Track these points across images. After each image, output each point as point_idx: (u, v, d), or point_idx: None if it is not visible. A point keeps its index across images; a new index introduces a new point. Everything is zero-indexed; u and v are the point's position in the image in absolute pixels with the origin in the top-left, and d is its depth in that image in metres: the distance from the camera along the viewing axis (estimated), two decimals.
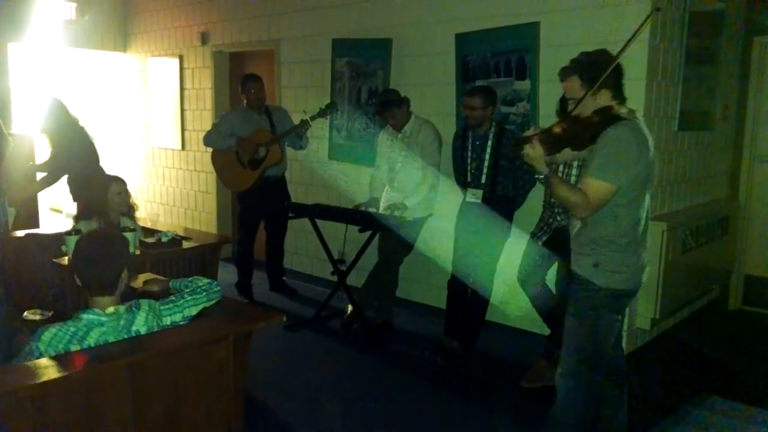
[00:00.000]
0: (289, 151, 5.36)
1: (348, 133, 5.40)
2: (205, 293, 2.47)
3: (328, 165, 5.61)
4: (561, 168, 3.37)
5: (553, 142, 2.52)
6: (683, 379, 3.95)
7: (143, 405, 2.13)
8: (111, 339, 2.16)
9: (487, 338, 4.27)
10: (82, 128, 4.95)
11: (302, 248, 5.90)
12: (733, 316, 5.21)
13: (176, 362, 2.21)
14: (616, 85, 2.50)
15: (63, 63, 7.62)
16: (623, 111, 2.50)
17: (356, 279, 4.78)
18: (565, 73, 2.57)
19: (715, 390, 3.70)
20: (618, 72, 2.51)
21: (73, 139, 4.81)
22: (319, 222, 4.69)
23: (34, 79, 7.41)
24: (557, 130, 2.52)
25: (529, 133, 2.74)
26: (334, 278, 4.72)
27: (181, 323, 2.36)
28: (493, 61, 4.36)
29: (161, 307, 2.34)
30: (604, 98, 2.49)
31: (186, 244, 3.98)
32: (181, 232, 4.23)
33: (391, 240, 4.47)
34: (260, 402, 3.50)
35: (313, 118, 4.90)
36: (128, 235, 3.63)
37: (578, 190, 2.50)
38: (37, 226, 5.62)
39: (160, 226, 4.39)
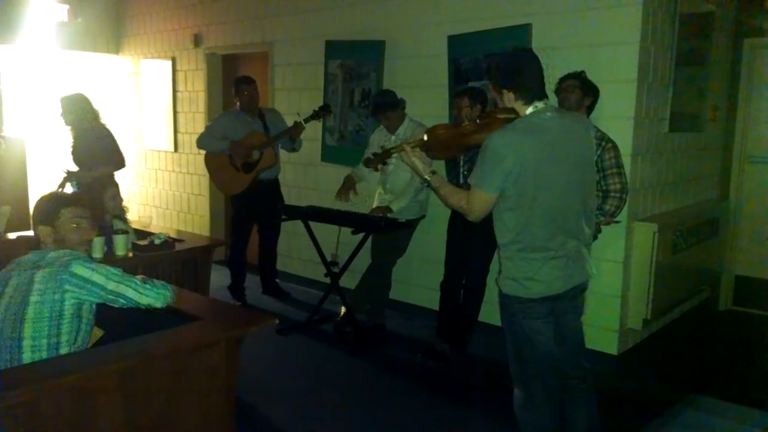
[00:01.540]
0: (282, 153, 5.36)
1: (341, 136, 5.40)
2: (143, 285, 2.35)
3: (321, 167, 5.62)
4: None
5: (431, 148, 2.66)
6: (674, 379, 3.98)
7: (135, 410, 2.13)
8: (13, 267, 2.34)
9: (480, 340, 4.28)
10: (102, 126, 5.01)
11: (295, 251, 5.90)
12: (723, 316, 5.24)
13: (168, 367, 2.22)
14: (516, 86, 2.42)
15: (56, 65, 7.59)
16: (528, 110, 2.43)
17: (349, 281, 4.78)
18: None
19: (705, 390, 3.73)
20: (516, 72, 2.44)
21: (89, 136, 4.91)
22: (312, 224, 4.69)
23: (27, 81, 7.38)
24: (434, 138, 2.61)
25: (404, 143, 2.76)
26: (328, 280, 4.72)
27: (96, 291, 2.26)
28: (485, 63, 4.37)
29: (88, 259, 2.35)
30: (507, 99, 2.46)
31: (178, 247, 3.98)
32: (173, 235, 4.23)
33: (384, 242, 4.48)
34: (252, 406, 3.50)
35: (306, 120, 4.90)
36: (121, 237, 3.65)
37: (462, 194, 2.54)
38: (28, 228, 5.60)
39: (153, 229, 4.39)
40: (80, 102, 4.98)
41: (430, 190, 4.44)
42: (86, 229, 2.46)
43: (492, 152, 2.37)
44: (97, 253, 3.62)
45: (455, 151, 2.68)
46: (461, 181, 4.05)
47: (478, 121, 2.61)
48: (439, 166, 4.32)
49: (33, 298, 2.19)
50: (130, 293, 2.29)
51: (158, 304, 2.37)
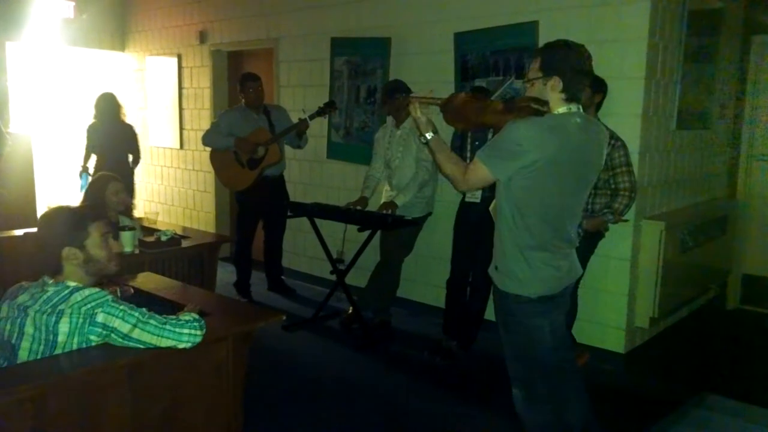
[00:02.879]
0: (288, 150, 5.35)
1: (346, 132, 5.40)
2: (162, 326, 2.10)
3: (327, 164, 5.61)
4: None
5: (451, 115, 2.56)
6: (682, 377, 3.96)
7: (142, 405, 2.13)
8: (30, 303, 2.06)
9: (486, 337, 4.27)
10: (112, 124, 5.93)
11: (301, 248, 5.89)
12: (731, 315, 5.22)
13: (175, 363, 2.21)
14: (569, 78, 2.33)
15: (61, 62, 7.60)
16: (561, 109, 2.36)
17: (355, 278, 4.77)
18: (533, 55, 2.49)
19: (713, 389, 3.71)
20: (574, 64, 2.34)
21: (97, 137, 5.92)
22: (318, 221, 4.68)
23: (33, 78, 7.39)
24: (457, 101, 2.52)
25: (417, 95, 2.65)
26: (333, 278, 4.72)
27: (117, 338, 2.05)
28: (492, 60, 4.36)
29: (112, 303, 2.07)
30: (550, 87, 2.34)
31: (185, 243, 3.97)
32: (179, 232, 4.23)
33: (392, 240, 4.47)
34: (257, 401, 3.49)
35: (311, 117, 4.89)
36: (127, 233, 3.64)
37: (459, 163, 2.49)
38: (35, 225, 5.61)
39: (159, 226, 4.39)
40: (104, 99, 5.92)
41: (433, 185, 4.48)
42: (114, 243, 2.24)
43: (514, 141, 2.30)
44: (128, 248, 3.63)
45: (470, 124, 2.58)
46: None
47: (514, 102, 2.45)
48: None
49: (57, 351, 2.04)
50: (146, 337, 2.07)
51: (181, 346, 2.13)
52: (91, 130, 6.02)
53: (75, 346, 2.04)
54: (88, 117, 6.09)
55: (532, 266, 2.41)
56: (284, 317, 2.72)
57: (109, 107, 5.94)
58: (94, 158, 6.10)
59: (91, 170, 6.01)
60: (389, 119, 4.60)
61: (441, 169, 2.54)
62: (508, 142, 2.32)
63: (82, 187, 5.93)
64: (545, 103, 2.36)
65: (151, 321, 2.09)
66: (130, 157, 6.18)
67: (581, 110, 2.42)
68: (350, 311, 4.65)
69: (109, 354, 2.05)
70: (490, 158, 2.35)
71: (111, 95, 6.03)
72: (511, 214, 2.41)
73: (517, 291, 2.45)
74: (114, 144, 5.96)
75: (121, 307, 2.08)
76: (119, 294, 2.55)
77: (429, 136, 2.53)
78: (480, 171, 2.38)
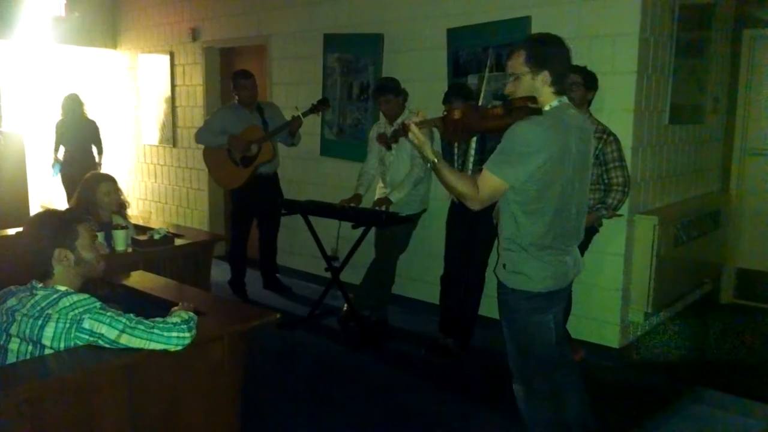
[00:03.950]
0: (281, 147, 5.34)
1: (340, 129, 5.39)
2: (150, 331, 2.08)
3: (321, 161, 5.60)
4: None
5: (452, 130, 2.46)
6: (677, 372, 3.97)
7: (140, 406, 2.13)
8: (18, 308, 2.07)
9: (483, 334, 4.27)
10: (76, 123, 6.44)
11: (296, 245, 5.88)
12: (725, 309, 5.23)
13: (171, 363, 2.20)
14: (557, 71, 2.33)
15: (53, 60, 7.56)
16: (553, 102, 2.35)
17: (350, 275, 4.77)
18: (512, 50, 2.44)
19: (708, 383, 3.72)
20: (561, 57, 2.35)
21: (65, 131, 6.46)
22: (312, 219, 4.68)
23: (24, 76, 7.35)
24: (455, 116, 2.42)
25: (411, 120, 2.50)
26: (329, 275, 4.71)
27: (105, 345, 2.03)
28: (484, 56, 4.36)
29: (99, 309, 2.07)
30: (540, 82, 2.33)
31: (178, 242, 3.95)
32: (173, 230, 4.21)
33: (385, 238, 4.46)
34: (254, 401, 3.48)
35: (304, 114, 4.88)
36: (120, 232, 3.63)
37: (468, 180, 2.39)
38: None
39: (153, 224, 4.37)
40: (69, 99, 6.46)
41: (428, 182, 4.47)
42: (100, 245, 2.25)
43: (522, 143, 2.27)
44: (120, 246, 3.62)
45: (473, 134, 2.54)
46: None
47: (511, 104, 2.40)
48: None
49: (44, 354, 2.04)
50: (134, 342, 2.05)
51: (172, 349, 2.11)
52: (60, 125, 6.56)
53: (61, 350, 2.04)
54: (56, 115, 6.64)
55: (539, 262, 2.41)
56: (279, 316, 2.71)
57: (73, 106, 6.49)
58: (62, 150, 6.68)
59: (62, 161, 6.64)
60: (382, 116, 4.59)
61: (452, 190, 2.44)
62: (516, 145, 2.29)
63: (54, 174, 6.67)
64: (535, 99, 2.35)
65: (139, 326, 2.07)
66: (95, 150, 6.73)
67: (568, 101, 2.43)
68: (345, 308, 4.65)
69: (106, 354, 2.05)
70: (499, 166, 2.31)
71: (75, 95, 6.57)
72: (516, 213, 2.40)
73: (524, 287, 2.44)
74: (79, 138, 6.56)
75: (108, 313, 2.07)
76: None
77: (435, 159, 2.42)
78: (492, 183, 2.31)
